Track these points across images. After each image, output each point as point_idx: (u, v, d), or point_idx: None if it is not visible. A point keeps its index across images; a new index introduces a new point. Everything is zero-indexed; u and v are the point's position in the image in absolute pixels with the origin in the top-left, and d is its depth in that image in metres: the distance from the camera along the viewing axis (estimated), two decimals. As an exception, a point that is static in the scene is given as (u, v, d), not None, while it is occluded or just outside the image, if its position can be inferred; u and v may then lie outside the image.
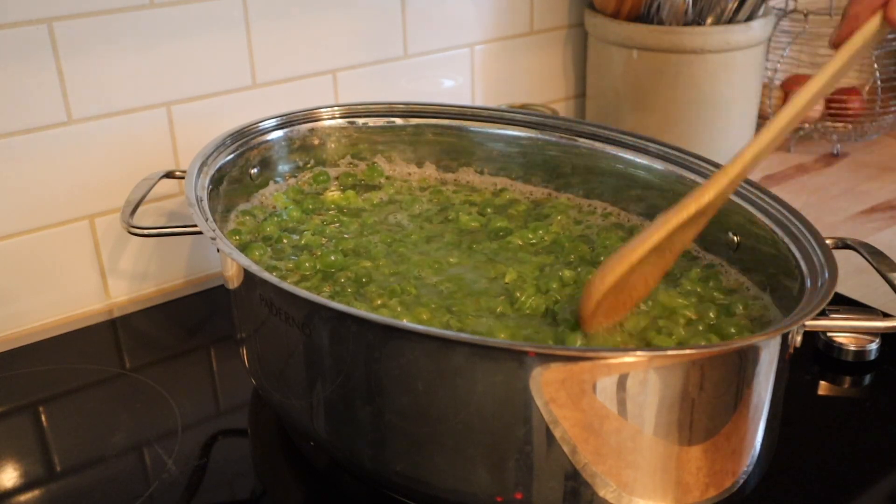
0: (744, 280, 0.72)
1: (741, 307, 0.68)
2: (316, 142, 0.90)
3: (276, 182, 0.88)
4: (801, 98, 0.60)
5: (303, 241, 0.79)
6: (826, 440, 0.74)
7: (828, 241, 0.65)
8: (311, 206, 0.86)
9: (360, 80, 1.05)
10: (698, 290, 0.71)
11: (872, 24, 0.58)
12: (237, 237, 0.79)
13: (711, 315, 0.68)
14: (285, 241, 0.80)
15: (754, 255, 0.71)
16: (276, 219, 0.83)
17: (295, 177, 0.90)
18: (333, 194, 0.89)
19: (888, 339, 0.82)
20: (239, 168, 0.83)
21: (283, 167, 0.89)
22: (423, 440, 0.58)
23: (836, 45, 0.60)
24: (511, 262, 0.77)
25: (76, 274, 0.92)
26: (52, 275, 0.91)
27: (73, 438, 0.75)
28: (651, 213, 0.82)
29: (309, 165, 0.91)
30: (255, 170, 0.85)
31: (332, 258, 0.76)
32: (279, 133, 0.87)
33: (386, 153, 0.93)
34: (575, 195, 0.87)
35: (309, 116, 0.90)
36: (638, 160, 0.82)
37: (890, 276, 0.65)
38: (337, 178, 0.91)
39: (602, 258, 0.76)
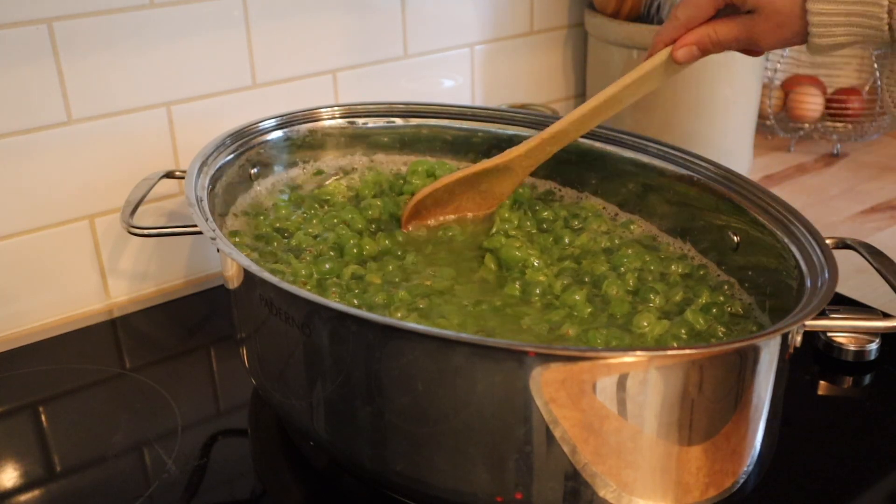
0: (749, 300, 0.72)
1: None
2: (316, 142, 0.90)
3: (275, 182, 0.88)
4: (602, 96, 0.74)
5: (294, 243, 0.79)
6: (826, 440, 0.74)
7: (828, 241, 0.65)
8: (309, 205, 0.86)
9: (360, 80, 1.05)
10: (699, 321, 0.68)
11: (662, 56, 0.72)
12: (236, 238, 0.79)
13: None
14: (276, 243, 0.79)
15: (754, 254, 0.71)
16: (272, 217, 0.83)
17: (295, 177, 0.89)
18: (330, 185, 0.89)
19: (888, 339, 0.82)
20: (239, 168, 0.83)
21: (283, 167, 0.88)
22: (423, 440, 0.58)
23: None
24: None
25: (76, 274, 0.92)
26: (52, 275, 0.91)
27: (73, 438, 0.75)
28: (651, 214, 0.82)
29: (309, 165, 0.91)
30: (255, 170, 0.85)
31: (328, 266, 0.75)
32: (279, 133, 0.87)
33: (386, 153, 0.93)
34: (577, 191, 0.87)
35: (309, 116, 0.90)
36: (638, 160, 0.82)
37: (890, 276, 0.65)
38: (336, 177, 0.91)
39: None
